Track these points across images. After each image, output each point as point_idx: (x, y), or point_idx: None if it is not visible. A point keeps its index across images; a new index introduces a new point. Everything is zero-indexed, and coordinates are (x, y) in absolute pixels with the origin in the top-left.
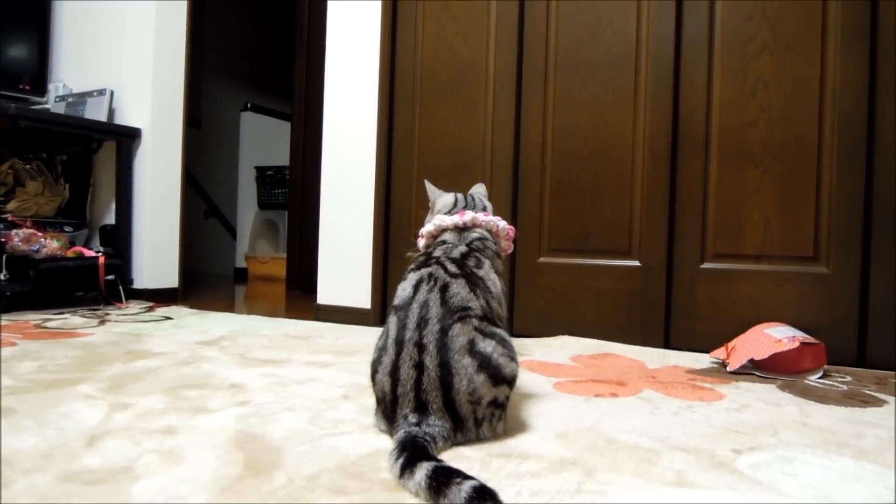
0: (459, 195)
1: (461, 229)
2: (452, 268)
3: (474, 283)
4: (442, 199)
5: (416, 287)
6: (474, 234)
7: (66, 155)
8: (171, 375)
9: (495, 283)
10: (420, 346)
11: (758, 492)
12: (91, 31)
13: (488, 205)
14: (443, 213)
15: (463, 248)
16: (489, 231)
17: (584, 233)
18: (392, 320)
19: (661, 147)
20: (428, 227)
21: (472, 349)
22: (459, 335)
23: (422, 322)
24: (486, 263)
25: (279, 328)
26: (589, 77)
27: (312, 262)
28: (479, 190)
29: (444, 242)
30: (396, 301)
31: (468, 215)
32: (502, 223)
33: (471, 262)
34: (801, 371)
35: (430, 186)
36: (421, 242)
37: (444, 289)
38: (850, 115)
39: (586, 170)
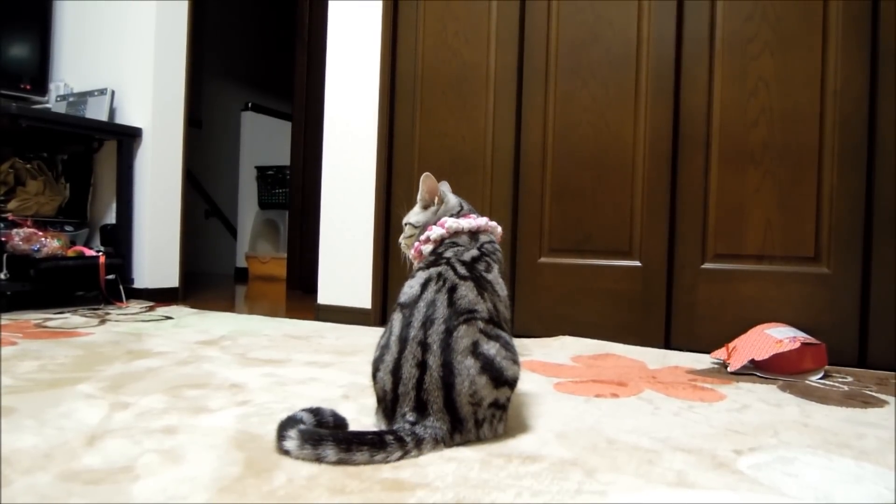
0: (460, 198)
1: (474, 233)
2: (462, 270)
3: (483, 286)
4: (450, 201)
5: (424, 286)
6: (484, 238)
7: (66, 154)
8: (171, 375)
9: (503, 287)
10: (424, 346)
11: (758, 492)
12: (92, 30)
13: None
14: (449, 216)
15: (475, 252)
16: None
17: (585, 233)
18: (396, 317)
19: (661, 147)
20: (439, 231)
21: (475, 351)
22: (464, 336)
23: (427, 322)
24: (496, 268)
25: (279, 328)
26: (589, 77)
27: (313, 261)
28: (446, 189)
29: (454, 244)
30: (402, 298)
31: (482, 220)
32: (499, 227)
33: (481, 266)
34: (802, 371)
35: (438, 184)
36: (427, 248)
37: (453, 290)
38: (850, 115)
39: (587, 170)
